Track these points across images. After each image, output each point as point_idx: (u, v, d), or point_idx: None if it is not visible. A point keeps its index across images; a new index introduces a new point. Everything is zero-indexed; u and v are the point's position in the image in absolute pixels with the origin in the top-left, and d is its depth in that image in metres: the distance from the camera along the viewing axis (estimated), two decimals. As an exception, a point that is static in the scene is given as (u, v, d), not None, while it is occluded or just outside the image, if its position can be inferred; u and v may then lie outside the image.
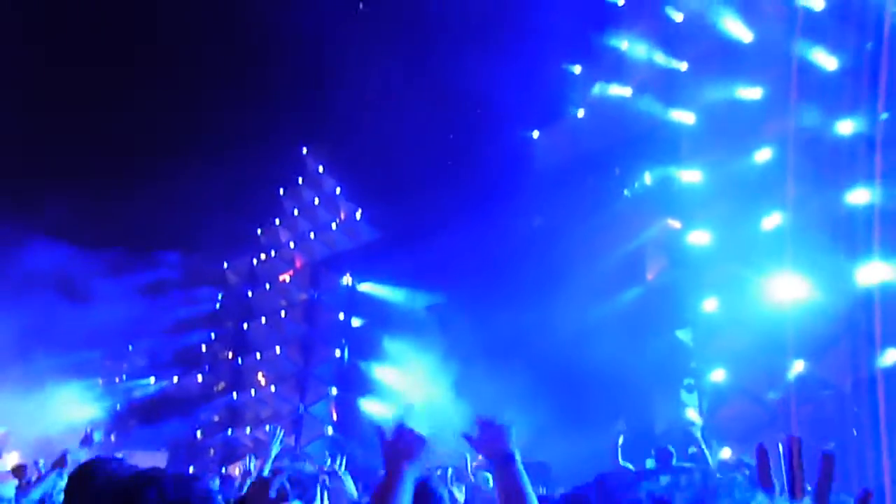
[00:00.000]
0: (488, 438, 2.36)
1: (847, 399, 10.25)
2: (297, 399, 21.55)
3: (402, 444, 2.31)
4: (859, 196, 11.02)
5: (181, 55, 19.83)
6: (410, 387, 17.98)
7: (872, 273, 10.46)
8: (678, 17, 13.40)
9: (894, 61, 10.92)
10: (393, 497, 2.14)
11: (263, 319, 23.52)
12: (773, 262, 11.89)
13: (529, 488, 2.33)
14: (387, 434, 2.33)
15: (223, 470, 18.95)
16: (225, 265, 24.76)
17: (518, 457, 2.36)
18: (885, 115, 10.85)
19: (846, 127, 11.40)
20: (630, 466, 7.53)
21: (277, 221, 24.12)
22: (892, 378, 9.82)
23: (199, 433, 22.89)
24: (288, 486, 2.91)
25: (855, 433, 10.02)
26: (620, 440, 5.86)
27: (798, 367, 11.44)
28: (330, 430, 20.01)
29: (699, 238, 13.50)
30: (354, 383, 20.32)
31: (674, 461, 5.94)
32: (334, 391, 20.72)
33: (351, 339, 21.07)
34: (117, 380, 21.67)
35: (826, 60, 11.93)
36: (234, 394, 23.13)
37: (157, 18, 20.26)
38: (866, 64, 11.27)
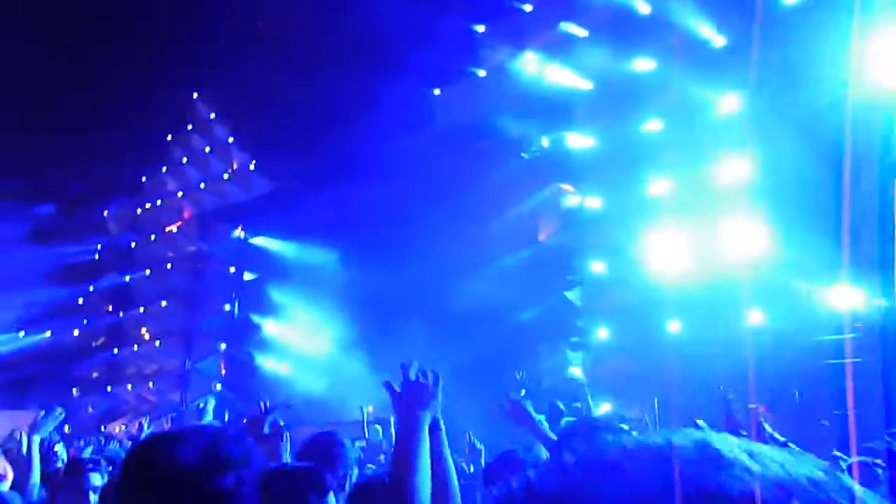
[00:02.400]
0: (414, 397, 2.38)
1: (717, 356, 11.05)
2: (184, 355, 20.91)
3: (411, 394, 2.36)
4: (738, 168, 11.75)
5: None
6: (302, 341, 17.85)
7: (744, 240, 11.25)
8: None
9: (774, 42, 11.59)
10: (414, 443, 2.20)
11: (148, 272, 22.50)
12: (656, 226, 12.57)
13: (449, 455, 2.40)
14: (395, 386, 2.37)
15: (102, 428, 18.22)
16: (105, 213, 23.37)
17: (442, 423, 2.42)
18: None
19: (730, 102, 12.08)
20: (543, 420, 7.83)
21: (164, 169, 22.93)
22: (757, 336, 10.66)
23: (75, 390, 21.81)
24: (281, 421, 2.89)
25: (721, 388, 10.84)
26: (522, 393, 6.03)
27: (674, 326, 12.24)
28: (218, 387, 19.57)
29: (589, 202, 14.05)
30: (244, 338, 19.91)
31: (563, 417, 6.22)
32: (223, 346, 20.23)
33: (241, 294, 20.56)
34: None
35: (714, 37, 12.51)
36: (115, 349, 22.14)
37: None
38: (750, 43, 11.91)
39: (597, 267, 13.97)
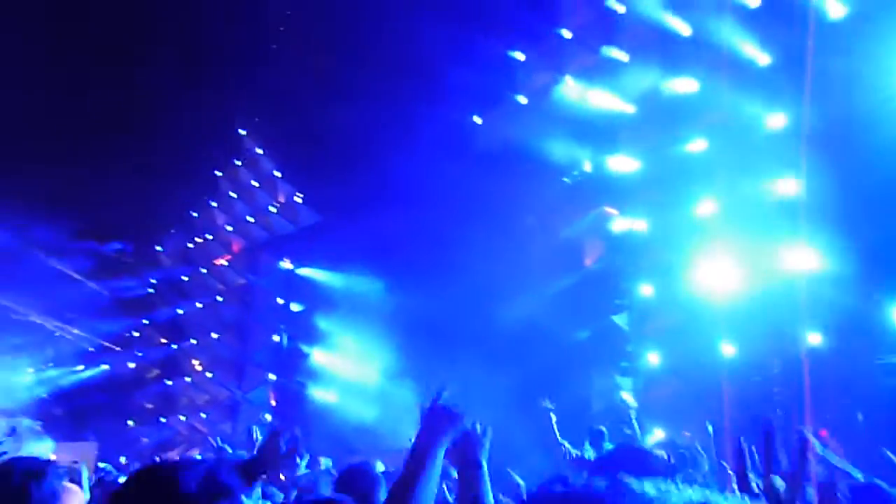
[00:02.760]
0: (437, 421, 2.39)
1: (774, 381, 10.74)
2: (235, 385, 21.22)
3: (438, 418, 2.39)
4: (787, 186, 11.50)
5: (111, 31, 19.06)
6: (350, 370, 17.94)
7: (797, 259, 10.96)
8: (621, 9, 13.69)
9: (820, 58, 11.40)
10: (422, 468, 2.22)
11: (199, 304, 23.01)
12: (704, 248, 12.35)
13: (490, 496, 2.39)
14: (425, 409, 2.41)
15: (157, 459, 18.54)
16: (159, 249, 24.05)
17: (485, 466, 2.42)
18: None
19: (776, 120, 11.87)
20: (568, 445, 7.74)
21: (214, 204, 23.53)
22: (814, 360, 10.33)
23: (130, 422, 22.30)
24: (299, 438, 2.92)
25: (779, 413, 10.52)
26: (554, 419, 5.99)
27: (728, 350, 11.93)
28: (268, 417, 19.77)
29: (635, 225, 13.89)
30: (293, 368, 20.12)
31: (605, 442, 6.12)
32: (273, 377, 20.47)
33: (290, 324, 20.82)
34: (45, 367, 20.86)
35: (758, 55, 12.36)
36: (169, 381, 22.61)
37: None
38: (795, 59, 11.74)
39: (645, 290, 13.75)
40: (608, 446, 5.77)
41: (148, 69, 18.85)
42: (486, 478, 2.40)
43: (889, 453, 4.68)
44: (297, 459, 3.10)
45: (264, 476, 2.84)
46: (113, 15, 18.23)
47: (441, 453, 2.29)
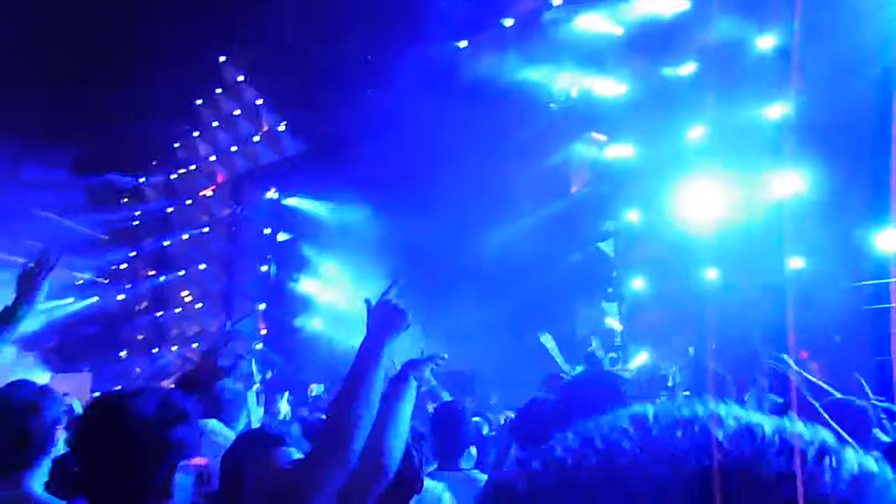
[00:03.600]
0: (383, 319, 2.45)
1: (754, 304, 10.90)
2: (224, 316, 21.37)
3: (385, 314, 2.44)
4: (776, 111, 11.41)
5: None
6: (338, 299, 18.07)
7: (782, 185, 10.97)
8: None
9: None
10: (372, 365, 2.27)
11: (185, 236, 22.92)
12: (692, 175, 12.31)
13: (406, 415, 2.46)
14: (371, 306, 2.45)
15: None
16: (142, 180, 23.75)
17: (413, 381, 2.49)
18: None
19: (766, 42, 11.66)
20: (567, 368, 7.87)
21: (196, 134, 23.12)
22: (795, 284, 10.48)
23: (123, 353, 22.53)
24: (238, 358, 2.98)
25: (758, 334, 10.75)
26: (551, 343, 6.03)
27: (711, 274, 12.08)
28: (259, 346, 20.01)
29: (622, 151, 13.80)
30: (282, 298, 20.24)
31: (606, 364, 6.21)
32: (262, 307, 20.60)
33: (277, 254, 20.82)
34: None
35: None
36: (159, 312, 22.74)
37: None
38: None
39: (631, 217, 13.80)
40: (578, 369, 5.87)
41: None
42: (410, 395, 2.51)
43: (859, 377, 4.82)
44: (234, 371, 3.15)
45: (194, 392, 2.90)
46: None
47: (388, 348, 2.37)
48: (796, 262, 10.81)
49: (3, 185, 16.80)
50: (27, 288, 3.02)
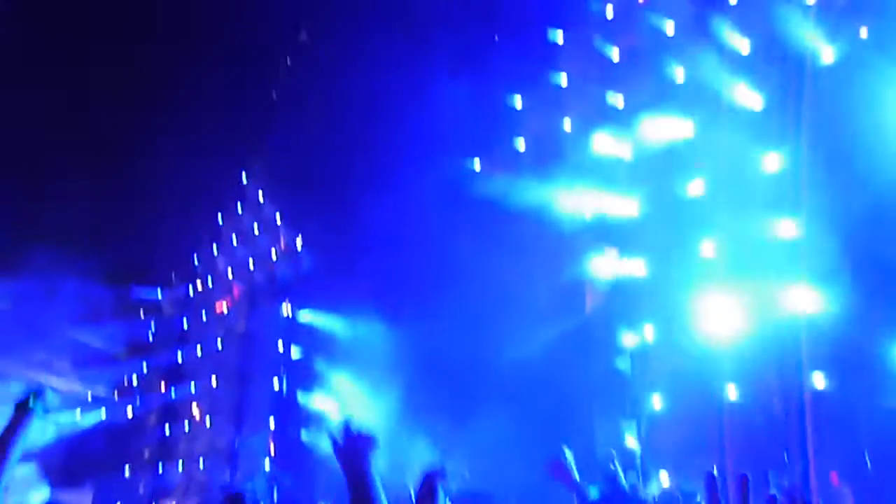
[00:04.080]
0: (354, 447, 2.43)
1: (778, 423, 10.59)
2: (234, 432, 20.94)
3: (353, 445, 2.41)
4: (786, 227, 11.53)
5: (120, 73, 19.39)
6: (352, 415, 17.71)
7: (799, 300, 10.92)
8: (615, 55, 13.96)
9: (813, 100, 11.58)
10: (371, 493, 2.22)
11: (199, 350, 22.87)
12: (705, 290, 12.31)
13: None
14: (338, 439, 2.42)
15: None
16: (159, 293, 24.02)
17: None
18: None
19: (772, 161, 11.97)
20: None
21: (215, 249, 23.59)
22: (820, 402, 10.21)
23: (127, 469, 21.96)
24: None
25: (786, 458, 10.36)
26: (569, 456, 5.76)
27: (731, 393, 11.80)
28: (267, 464, 19.49)
29: (636, 267, 13.88)
30: (293, 415, 19.89)
31: (623, 483, 5.91)
32: (272, 424, 20.22)
33: (290, 370, 20.66)
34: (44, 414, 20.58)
35: (752, 98, 12.53)
36: (167, 427, 22.34)
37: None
38: (788, 102, 11.93)
39: (646, 333, 13.68)
40: (594, 492, 5.61)
41: (152, 113, 19.12)
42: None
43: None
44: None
45: None
46: (120, 57, 18.58)
47: (375, 472, 2.35)
48: (818, 379, 10.58)
49: (25, 296, 17.09)
50: (16, 421, 2.99)
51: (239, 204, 23.30)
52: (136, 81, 19.02)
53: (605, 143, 14.17)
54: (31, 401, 2.99)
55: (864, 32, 11.71)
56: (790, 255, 11.32)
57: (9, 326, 16.85)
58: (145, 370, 23.27)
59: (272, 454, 19.92)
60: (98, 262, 18.33)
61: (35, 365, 18.86)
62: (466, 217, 13.57)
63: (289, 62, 20.38)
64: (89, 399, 21.42)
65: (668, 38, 13.70)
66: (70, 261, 17.59)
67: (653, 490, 11.56)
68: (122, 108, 18.90)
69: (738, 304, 11.83)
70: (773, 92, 12.22)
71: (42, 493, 13.11)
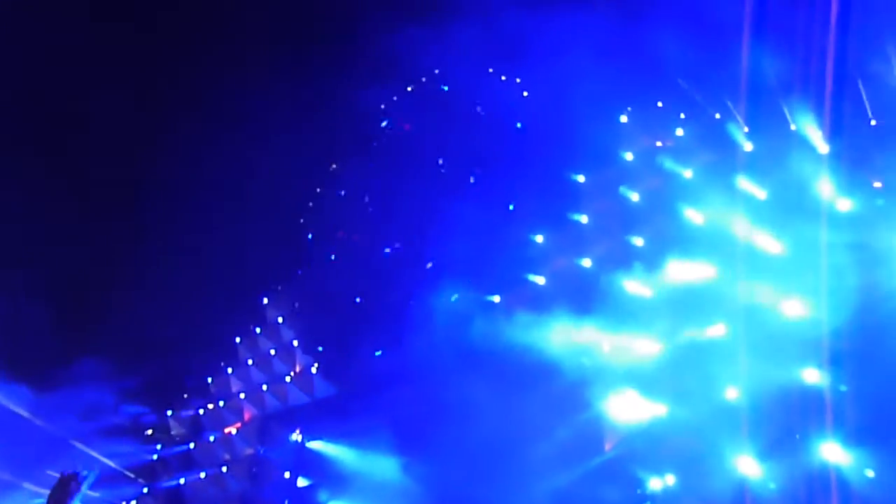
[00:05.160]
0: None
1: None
2: (232, 566, 19.95)
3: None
4: (810, 375, 11.35)
5: (141, 193, 20.09)
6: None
7: (829, 454, 10.56)
8: (634, 197, 14.35)
9: (832, 248, 11.74)
10: None
11: (203, 474, 22.19)
12: (730, 437, 11.94)
13: None
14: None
15: None
16: (169, 414, 23.66)
17: None
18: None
19: (796, 309, 11.96)
20: None
21: (230, 370, 23.44)
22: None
23: None
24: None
25: None
26: None
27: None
28: None
29: (657, 410, 13.55)
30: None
31: None
32: (274, 557, 19.27)
33: (295, 500, 19.92)
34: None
35: (771, 244, 12.72)
36: (163, 559, 21.32)
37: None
38: (807, 249, 12.08)
39: (668, 480, 13.16)
40: None
41: (177, 234, 19.66)
42: None
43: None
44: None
45: None
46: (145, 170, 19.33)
47: None
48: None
49: (57, 409, 17.05)
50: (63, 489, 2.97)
51: (258, 329, 23.41)
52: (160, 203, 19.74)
53: (626, 283, 14.26)
54: (81, 474, 2.98)
55: (877, 184, 12.07)
56: (817, 403, 11.07)
57: (34, 438, 16.67)
58: (146, 493, 22.52)
59: None
60: (112, 382, 18.25)
61: (40, 481, 18.42)
62: (484, 355, 13.48)
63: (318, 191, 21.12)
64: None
65: (687, 181, 14.15)
66: (103, 377, 17.65)
67: None
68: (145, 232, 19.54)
69: (763, 453, 11.45)
70: (792, 238, 12.41)
71: None
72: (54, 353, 16.99)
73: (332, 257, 19.78)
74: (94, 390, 18.05)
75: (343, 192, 20.87)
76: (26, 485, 18.95)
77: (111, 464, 21.20)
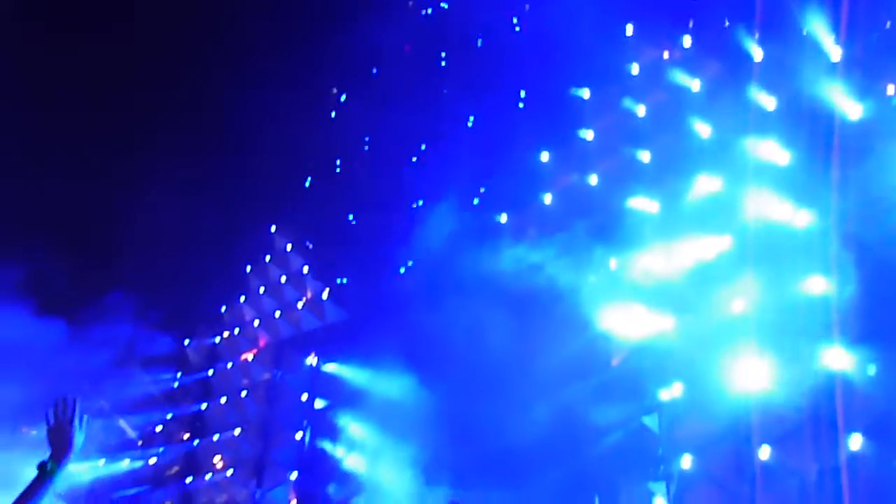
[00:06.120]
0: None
1: (812, 487, 10.25)
2: (255, 484, 20.74)
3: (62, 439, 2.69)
4: (817, 284, 11.36)
5: (148, 125, 20.06)
6: (372, 469, 17.51)
7: (832, 359, 10.67)
8: (640, 111, 14.08)
9: (841, 157, 11.54)
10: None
11: (223, 399, 22.86)
12: (736, 348, 12.08)
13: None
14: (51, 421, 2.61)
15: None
16: (186, 343, 24.21)
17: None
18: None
19: (802, 218, 11.87)
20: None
21: (243, 299, 23.83)
22: (855, 464, 9.87)
23: (147, 520, 21.81)
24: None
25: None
26: None
27: (763, 454, 11.46)
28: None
29: (664, 324, 13.67)
30: (315, 467, 19.68)
31: None
32: (294, 475, 20.01)
33: (313, 421, 20.53)
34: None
35: (778, 154, 12.51)
36: (189, 478, 22.20)
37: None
38: (816, 159, 11.89)
39: (675, 391, 13.39)
40: None
41: (185, 168, 19.65)
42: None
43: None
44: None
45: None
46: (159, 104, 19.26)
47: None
48: (854, 442, 10.25)
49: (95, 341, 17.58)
50: (59, 444, 3.00)
51: (268, 256, 23.63)
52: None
53: (632, 199, 14.17)
54: (61, 419, 3.04)
55: (890, 90, 11.74)
56: (823, 313, 11.12)
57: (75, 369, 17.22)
58: (170, 419, 23.30)
59: (293, 506, 19.69)
60: (132, 313, 18.59)
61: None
62: (492, 275, 13.55)
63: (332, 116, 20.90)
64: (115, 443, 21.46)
65: (694, 94, 13.84)
66: (128, 308, 18.08)
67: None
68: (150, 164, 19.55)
69: (770, 362, 11.59)
70: (801, 148, 12.20)
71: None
72: (80, 288, 17.36)
73: (338, 183, 19.68)
74: (120, 323, 18.43)
75: (345, 117, 20.63)
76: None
77: (138, 391, 21.90)
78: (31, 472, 3.02)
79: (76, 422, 3.00)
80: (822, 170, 11.78)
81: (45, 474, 2.89)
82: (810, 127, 12.18)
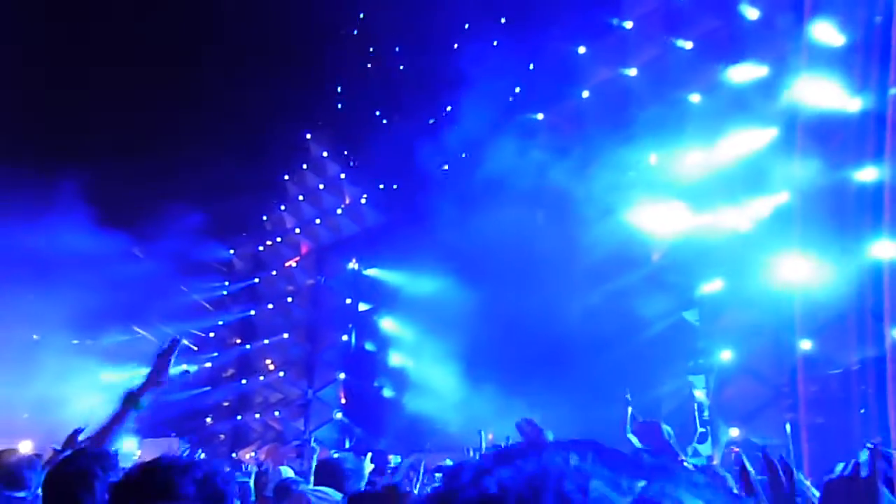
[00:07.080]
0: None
1: (854, 377, 10.24)
2: (306, 384, 21.67)
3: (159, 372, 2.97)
4: (868, 174, 10.95)
5: (183, 42, 19.86)
6: (417, 368, 18.07)
7: (881, 250, 10.41)
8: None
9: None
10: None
11: (270, 305, 23.60)
12: (780, 240, 11.85)
13: None
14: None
15: (233, 455, 19.16)
16: (231, 252, 24.80)
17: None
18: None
19: (855, 104, 11.31)
20: (635, 440, 7.52)
21: (283, 207, 24.14)
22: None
23: (209, 419, 23.08)
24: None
25: (862, 412, 10.03)
26: (630, 411, 5.75)
27: (805, 345, 11.43)
28: (338, 415, 20.13)
29: (705, 218, 13.43)
30: (361, 367, 20.42)
31: (672, 441, 5.68)
32: (342, 375, 20.82)
33: (357, 324, 21.13)
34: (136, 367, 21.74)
35: (833, 36, 11.80)
36: (243, 380, 23.28)
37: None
38: (875, 39, 11.17)
39: (716, 285, 13.31)
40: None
41: (218, 77, 19.53)
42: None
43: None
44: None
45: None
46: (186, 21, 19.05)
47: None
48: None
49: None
50: (159, 369, 3.18)
51: (304, 164, 23.70)
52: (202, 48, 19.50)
53: (672, 90, 13.64)
54: (168, 350, 3.24)
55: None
56: (874, 203, 10.76)
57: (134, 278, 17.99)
58: (221, 325, 24.21)
59: (343, 404, 20.57)
60: (176, 225, 18.98)
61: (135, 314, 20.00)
62: (530, 174, 13.35)
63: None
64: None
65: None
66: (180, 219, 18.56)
67: (723, 438, 11.45)
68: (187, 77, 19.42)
69: (813, 256, 11.37)
70: (856, 29, 11.48)
71: (131, 441, 13.94)
72: (136, 202, 17.83)
73: (370, 86, 19.34)
74: (174, 234, 18.95)
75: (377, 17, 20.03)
76: (135, 328, 20.59)
77: (195, 298, 22.68)
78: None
79: (172, 359, 3.19)
80: (879, 53, 11.10)
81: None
82: (867, 5, 11.40)
